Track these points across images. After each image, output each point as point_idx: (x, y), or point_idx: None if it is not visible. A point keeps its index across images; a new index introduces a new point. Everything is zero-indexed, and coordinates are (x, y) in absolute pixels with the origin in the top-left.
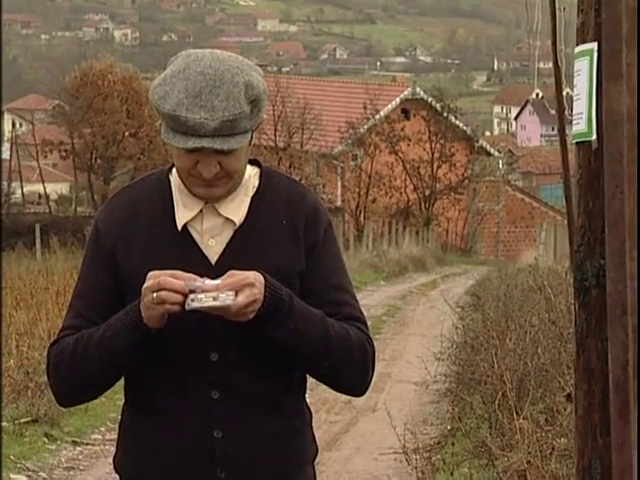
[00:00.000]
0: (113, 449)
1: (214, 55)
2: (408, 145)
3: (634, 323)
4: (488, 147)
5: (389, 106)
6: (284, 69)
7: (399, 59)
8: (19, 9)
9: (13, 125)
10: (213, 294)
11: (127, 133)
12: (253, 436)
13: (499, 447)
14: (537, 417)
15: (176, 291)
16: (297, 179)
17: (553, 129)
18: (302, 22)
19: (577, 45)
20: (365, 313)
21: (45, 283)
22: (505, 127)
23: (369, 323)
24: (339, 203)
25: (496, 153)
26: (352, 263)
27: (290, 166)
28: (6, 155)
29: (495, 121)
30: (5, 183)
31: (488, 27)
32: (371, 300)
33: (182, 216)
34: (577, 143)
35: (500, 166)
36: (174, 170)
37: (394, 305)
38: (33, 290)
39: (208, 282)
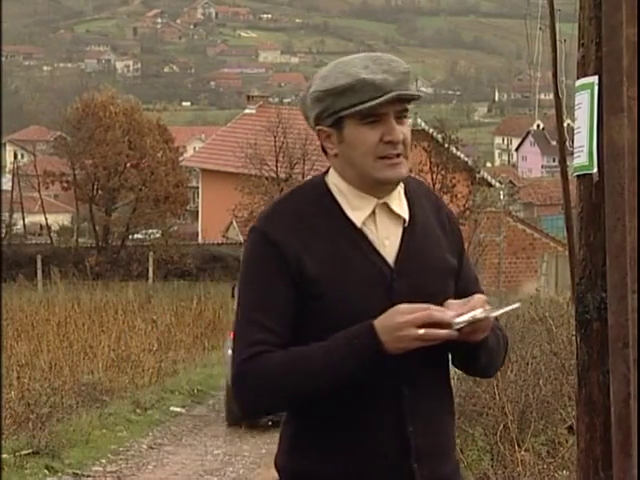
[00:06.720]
0: None
1: None
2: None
3: (635, 356)
4: (489, 178)
5: None
6: (285, 100)
7: None
8: (21, 40)
9: (15, 156)
10: (470, 314)
11: (129, 164)
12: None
13: (501, 479)
14: (539, 449)
15: (442, 324)
16: None
17: (554, 160)
18: (303, 53)
19: (578, 78)
20: None
21: (46, 314)
22: (506, 158)
23: None
24: None
25: (497, 184)
26: None
27: None
28: (8, 186)
29: (496, 152)
30: (7, 214)
31: (489, 58)
32: None
33: (357, 216)
34: (578, 176)
35: (501, 197)
36: (329, 177)
37: None
38: (34, 321)
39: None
